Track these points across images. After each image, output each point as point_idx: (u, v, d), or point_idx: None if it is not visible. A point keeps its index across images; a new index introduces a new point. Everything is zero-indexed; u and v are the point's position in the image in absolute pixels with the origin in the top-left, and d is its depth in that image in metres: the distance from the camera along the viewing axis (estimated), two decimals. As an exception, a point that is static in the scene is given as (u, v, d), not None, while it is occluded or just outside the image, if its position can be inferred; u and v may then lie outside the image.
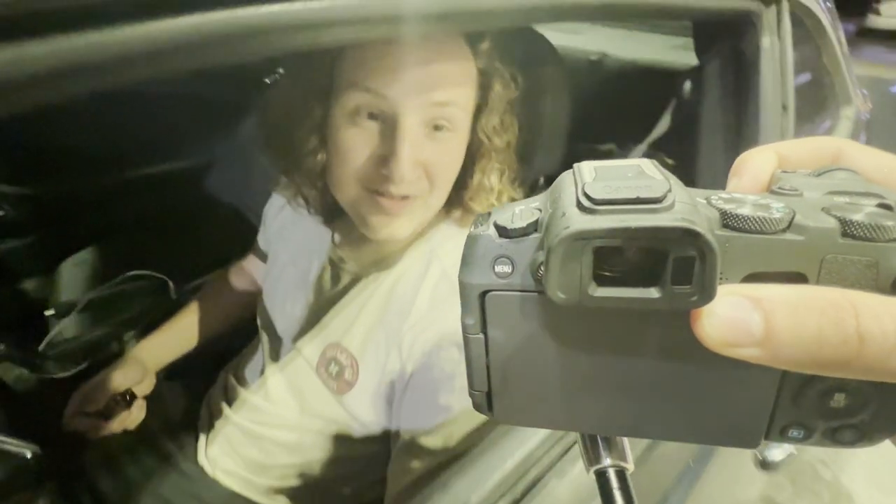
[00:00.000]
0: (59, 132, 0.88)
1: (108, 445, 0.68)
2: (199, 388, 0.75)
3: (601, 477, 0.19)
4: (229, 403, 0.67)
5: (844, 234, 0.14)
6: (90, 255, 0.98)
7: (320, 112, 0.49)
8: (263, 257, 0.77)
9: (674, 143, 0.83)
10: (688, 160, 0.74)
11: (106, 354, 0.88)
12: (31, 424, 0.67)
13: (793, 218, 0.14)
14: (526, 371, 0.17)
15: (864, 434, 0.16)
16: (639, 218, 0.13)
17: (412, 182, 0.48)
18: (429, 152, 0.48)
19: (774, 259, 0.14)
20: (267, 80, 0.55)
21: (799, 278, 0.14)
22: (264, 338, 0.69)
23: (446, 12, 0.34)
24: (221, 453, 0.65)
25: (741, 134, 0.67)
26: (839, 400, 0.15)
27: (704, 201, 0.14)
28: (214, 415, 0.68)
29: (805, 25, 0.83)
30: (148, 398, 0.74)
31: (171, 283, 0.97)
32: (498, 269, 0.15)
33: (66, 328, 0.90)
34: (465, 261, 0.16)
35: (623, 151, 0.98)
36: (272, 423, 0.62)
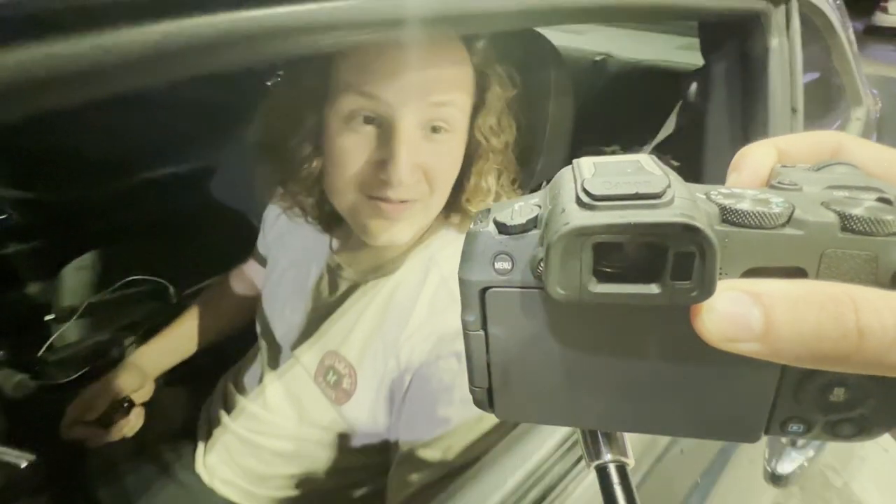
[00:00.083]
0: (62, 138, 0.88)
1: (105, 454, 0.67)
2: (199, 395, 0.74)
3: (602, 472, 0.19)
4: (228, 411, 0.67)
5: (844, 229, 0.13)
6: (91, 260, 0.98)
7: (314, 118, 0.49)
8: (263, 262, 0.76)
9: (679, 145, 0.82)
10: (693, 163, 0.73)
11: (106, 360, 0.87)
12: (29, 432, 0.67)
13: (792, 212, 0.14)
14: (526, 367, 0.17)
15: (863, 428, 0.16)
16: (638, 213, 0.13)
17: (411, 186, 0.47)
18: (427, 155, 0.47)
19: (774, 254, 0.14)
20: (269, 85, 0.54)
21: (798, 273, 0.14)
22: (263, 345, 0.68)
23: (443, 15, 0.33)
24: (219, 462, 0.65)
25: (748, 137, 0.66)
26: (839, 394, 0.15)
27: (704, 196, 0.14)
28: (213, 422, 0.68)
29: (813, 24, 0.81)
30: (147, 405, 0.73)
31: (171, 288, 0.97)
32: (498, 265, 0.15)
33: (66, 333, 0.90)
34: (465, 257, 0.16)
35: (628, 153, 0.96)
36: (270, 433, 0.61)
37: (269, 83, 0.55)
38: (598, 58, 1.26)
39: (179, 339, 0.80)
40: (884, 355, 0.12)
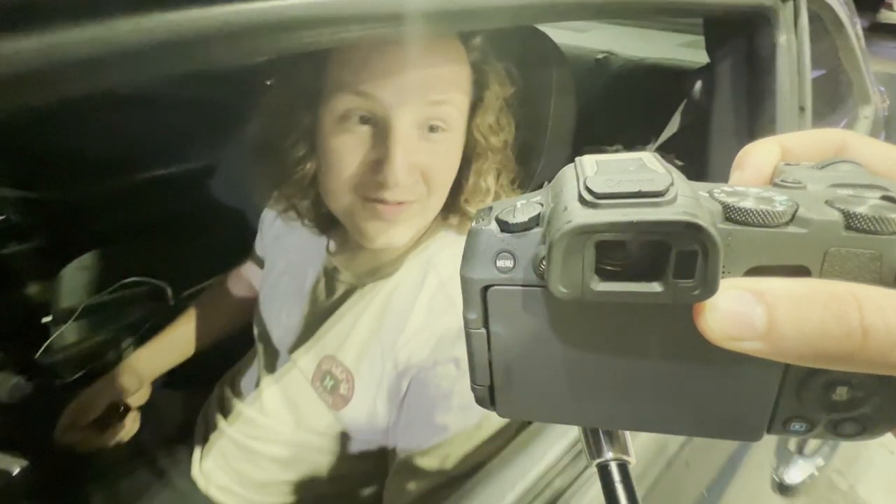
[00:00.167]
0: (58, 138, 0.87)
1: (100, 458, 0.66)
2: (197, 399, 0.73)
3: (603, 470, 0.19)
4: (224, 415, 0.66)
5: (848, 227, 0.13)
6: (88, 261, 0.97)
7: (308, 118, 0.47)
8: (261, 264, 0.75)
9: (683, 145, 0.81)
10: (698, 163, 0.72)
11: (104, 362, 0.87)
12: (25, 435, 0.66)
13: (796, 211, 0.14)
14: (528, 365, 0.17)
15: (865, 427, 0.16)
16: (641, 212, 0.13)
17: (408, 187, 0.46)
18: (424, 154, 0.46)
19: (777, 252, 0.14)
20: (263, 84, 0.52)
21: (802, 272, 0.14)
22: (260, 348, 0.67)
23: (440, 11, 0.32)
24: (215, 467, 0.64)
25: (754, 136, 0.64)
26: (841, 393, 0.15)
27: (707, 195, 0.14)
28: (210, 427, 0.67)
29: (819, 20, 0.80)
30: (143, 409, 0.72)
31: (169, 290, 0.96)
32: (500, 263, 0.15)
33: (63, 335, 0.89)
34: (467, 255, 0.16)
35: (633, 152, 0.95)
36: (267, 438, 0.60)
37: (265, 82, 0.54)
38: (600, 56, 1.25)
39: (176, 342, 0.79)
40: (888, 354, 0.12)
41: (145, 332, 0.89)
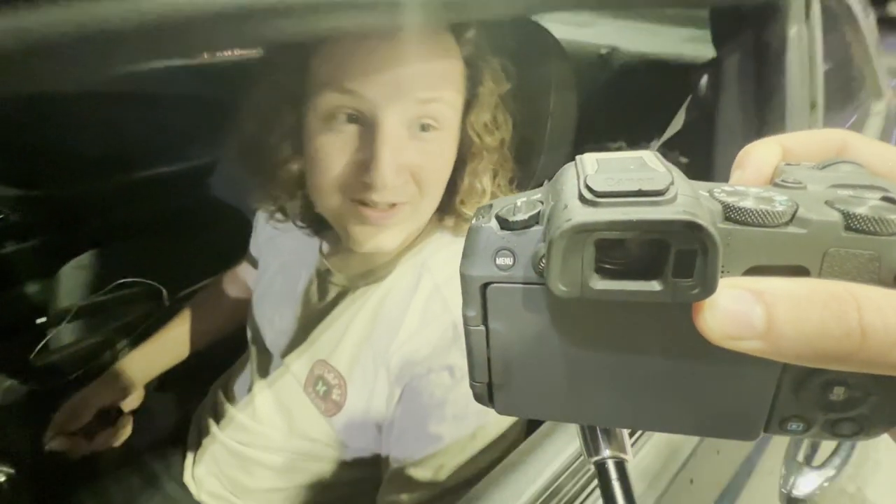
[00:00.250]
0: (53, 136, 0.86)
1: (90, 465, 0.65)
2: (190, 402, 0.72)
3: (600, 468, 0.19)
4: (217, 421, 0.64)
5: (848, 228, 0.13)
6: (84, 262, 0.96)
7: (293, 116, 0.45)
8: (256, 264, 0.74)
9: (688, 142, 0.78)
10: (703, 160, 0.69)
11: (97, 364, 0.86)
12: (11, 442, 0.65)
13: (796, 211, 0.14)
14: (527, 363, 0.17)
15: (862, 427, 0.16)
16: (641, 210, 0.13)
17: (397, 188, 0.44)
18: (415, 155, 0.44)
19: (777, 252, 0.14)
20: (248, 81, 0.51)
21: (801, 272, 0.14)
22: (253, 351, 0.66)
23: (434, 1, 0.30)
24: (207, 473, 0.63)
25: (763, 133, 0.62)
26: (839, 393, 0.15)
27: (707, 194, 0.14)
28: (203, 432, 0.66)
29: (829, 11, 0.77)
30: (135, 412, 0.71)
31: (164, 291, 0.95)
32: (499, 261, 0.15)
33: (57, 337, 0.88)
34: (467, 253, 0.16)
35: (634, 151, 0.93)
36: (259, 444, 0.58)
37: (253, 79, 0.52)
38: (604, 51, 1.22)
39: (170, 344, 0.78)
40: (886, 354, 0.12)
41: (140, 334, 0.88)
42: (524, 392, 0.17)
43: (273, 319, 0.63)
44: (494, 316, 0.16)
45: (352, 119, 0.43)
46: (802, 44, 0.59)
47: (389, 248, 0.48)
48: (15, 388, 0.81)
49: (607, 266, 0.14)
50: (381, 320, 0.51)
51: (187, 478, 0.64)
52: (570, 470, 0.40)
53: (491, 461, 0.44)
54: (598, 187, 0.13)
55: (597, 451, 0.19)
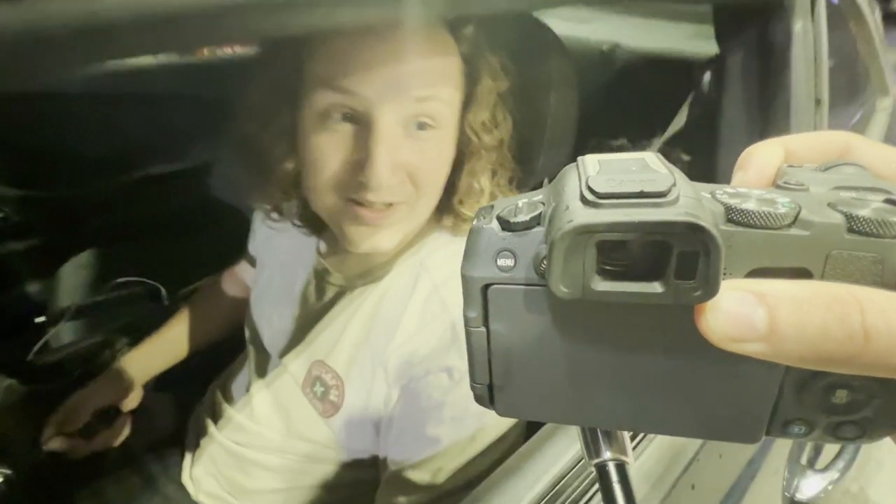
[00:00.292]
0: (52, 136, 0.85)
1: (88, 465, 0.65)
2: (189, 402, 0.72)
3: (601, 470, 0.19)
4: (215, 421, 0.64)
5: (850, 230, 0.13)
6: (82, 261, 0.96)
7: (287, 115, 0.45)
8: (254, 263, 0.73)
9: (691, 139, 0.78)
10: (706, 158, 0.68)
11: (96, 364, 0.85)
12: (11, 442, 0.65)
13: (798, 213, 0.14)
14: (528, 364, 0.17)
15: (865, 431, 0.16)
16: (643, 212, 0.13)
17: (393, 188, 0.43)
18: (411, 154, 0.43)
19: (779, 254, 0.14)
20: (243, 80, 0.50)
21: (804, 274, 0.14)
22: (251, 351, 0.65)
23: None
24: (205, 474, 0.62)
25: (766, 130, 0.61)
26: (841, 396, 0.15)
27: (709, 196, 0.14)
28: (201, 432, 0.65)
29: (834, 6, 0.75)
30: (134, 412, 0.71)
31: (163, 290, 0.94)
32: (500, 262, 0.15)
33: (56, 336, 0.88)
34: (468, 254, 0.16)
35: (635, 147, 0.93)
36: (256, 445, 0.58)
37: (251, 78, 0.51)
38: (605, 47, 1.21)
39: (169, 343, 0.78)
40: (889, 357, 0.12)
41: (139, 333, 0.87)
42: (525, 394, 0.17)
43: (271, 319, 0.62)
44: (495, 317, 0.16)
45: (347, 118, 0.43)
46: (807, 40, 0.58)
47: (386, 248, 0.47)
48: (14, 388, 0.80)
49: (609, 267, 0.14)
50: (379, 321, 0.50)
51: (185, 478, 0.64)
52: (571, 473, 0.39)
53: (490, 464, 0.43)
54: (599, 188, 0.13)
55: (598, 453, 0.19)
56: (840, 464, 0.52)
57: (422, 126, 0.44)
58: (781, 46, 0.58)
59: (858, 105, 0.99)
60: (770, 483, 0.51)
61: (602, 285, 0.13)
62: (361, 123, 0.42)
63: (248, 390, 0.62)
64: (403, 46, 0.40)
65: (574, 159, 0.16)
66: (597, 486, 0.35)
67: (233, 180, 0.54)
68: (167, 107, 0.90)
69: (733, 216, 0.14)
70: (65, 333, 0.89)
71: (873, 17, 0.86)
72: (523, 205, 0.16)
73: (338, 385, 0.52)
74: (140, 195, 0.98)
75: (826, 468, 0.52)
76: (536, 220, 0.15)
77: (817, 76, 0.61)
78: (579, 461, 0.40)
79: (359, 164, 0.42)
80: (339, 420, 0.52)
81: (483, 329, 0.17)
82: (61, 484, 0.63)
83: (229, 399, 0.65)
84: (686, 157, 0.79)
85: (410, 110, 0.42)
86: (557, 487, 0.39)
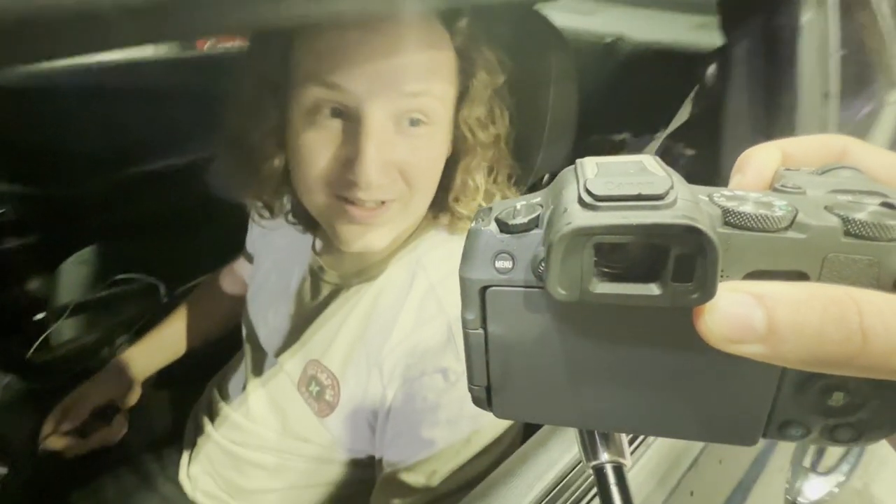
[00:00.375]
0: (50, 134, 0.85)
1: (85, 463, 0.65)
2: (188, 399, 0.72)
3: (599, 472, 0.19)
4: (211, 419, 0.64)
5: (847, 233, 0.13)
6: (82, 258, 0.95)
7: (275, 111, 0.44)
8: (252, 259, 0.73)
9: (694, 133, 0.76)
10: (709, 153, 0.67)
11: (96, 361, 0.85)
12: (9, 440, 0.65)
13: (795, 216, 0.14)
14: (525, 366, 0.17)
15: (861, 433, 0.16)
16: (640, 214, 0.13)
17: (384, 186, 0.42)
18: (403, 151, 0.42)
19: (776, 257, 0.14)
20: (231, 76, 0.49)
21: (800, 277, 0.14)
22: (248, 349, 0.65)
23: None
24: (202, 472, 0.62)
25: (774, 125, 0.59)
26: (838, 398, 0.15)
27: (707, 198, 0.14)
28: (198, 430, 0.65)
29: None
30: (132, 410, 0.71)
31: (162, 287, 0.94)
32: (499, 264, 0.16)
33: (56, 333, 0.88)
34: (466, 255, 0.16)
35: (638, 141, 0.91)
36: (252, 444, 0.58)
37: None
38: (608, 39, 1.19)
39: (168, 340, 0.77)
40: (887, 358, 0.12)
41: (138, 330, 0.87)
42: (523, 396, 0.17)
43: (267, 317, 0.62)
44: (493, 319, 0.16)
45: (336, 113, 0.41)
46: (816, 31, 0.56)
47: (378, 247, 0.46)
48: (12, 385, 0.80)
49: (607, 270, 0.14)
50: (375, 320, 0.49)
51: (182, 476, 0.64)
52: (569, 476, 0.39)
53: (486, 467, 0.43)
54: (597, 191, 0.13)
55: (595, 455, 0.19)
56: (844, 467, 0.51)
57: (414, 122, 0.42)
58: (789, 38, 0.56)
59: (867, 98, 0.97)
60: (770, 490, 0.50)
61: (600, 287, 0.14)
62: (351, 119, 0.41)
63: (244, 389, 0.62)
64: (394, 40, 0.39)
65: (575, 155, 0.16)
66: (594, 489, 0.34)
67: (224, 177, 0.53)
68: (163, 103, 0.90)
69: (730, 219, 0.14)
70: (63, 330, 0.89)
71: (881, 8, 0.84)
72: (521, 207, 0.16)
73: (333, 384, 0.51)
74: (139, 192, 0.97)
75: (830, 471, 0.51)
76: (535, 223, 0.15)
77: (826, 69, 0.59)
78: (577, 464, 0.39)
79: (348, 162, 0.41)
80: (334, 420, 0.51)
81: (481, 331, 0.17)
82: (59, 482, 0.63)
83: (226, 397, 0.65)
84: (690, 152, 0.77)
85: (402, 106, 0.41)
86: (555, 491, 0.38)
